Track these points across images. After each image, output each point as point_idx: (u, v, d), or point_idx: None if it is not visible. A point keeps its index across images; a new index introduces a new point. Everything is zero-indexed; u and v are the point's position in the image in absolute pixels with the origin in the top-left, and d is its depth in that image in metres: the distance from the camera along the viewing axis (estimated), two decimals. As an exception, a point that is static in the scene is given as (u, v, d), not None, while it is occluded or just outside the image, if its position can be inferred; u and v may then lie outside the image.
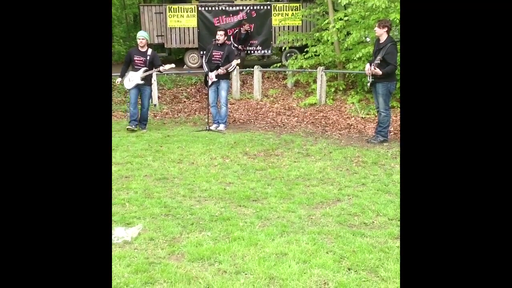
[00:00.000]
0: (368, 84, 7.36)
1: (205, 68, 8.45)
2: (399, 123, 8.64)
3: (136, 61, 8.19)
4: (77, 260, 1.91)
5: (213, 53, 8.35)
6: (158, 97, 10.70)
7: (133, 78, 8.18)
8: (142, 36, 8.24)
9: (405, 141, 2.08)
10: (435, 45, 2.04)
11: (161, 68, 8.17)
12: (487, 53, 1.98)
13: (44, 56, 1.97)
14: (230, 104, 10.55)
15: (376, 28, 7.10)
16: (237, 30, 13.23)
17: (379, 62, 6.93)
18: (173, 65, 8.52)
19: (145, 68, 8.15)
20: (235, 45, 12.92)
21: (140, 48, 8.22)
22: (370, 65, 7.08)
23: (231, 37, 13.09)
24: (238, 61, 8.59)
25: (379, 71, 6.89)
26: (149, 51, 8.26)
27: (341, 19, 10.20)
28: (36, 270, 1.86)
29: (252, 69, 11.43)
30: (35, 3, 1.97)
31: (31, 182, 1.91)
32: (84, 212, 1.97)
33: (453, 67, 2.01)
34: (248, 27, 13.19)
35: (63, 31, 2.00)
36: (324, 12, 11.79)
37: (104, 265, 1.97)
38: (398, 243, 3.65)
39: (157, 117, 9.73)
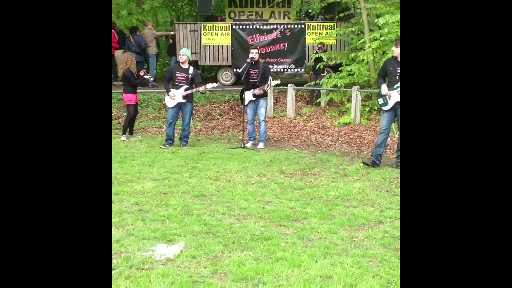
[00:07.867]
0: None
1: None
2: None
3: (178, 78, 8.25)
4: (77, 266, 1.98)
5: (250, 72, 8.39)
6: (192, 114, 10.78)
7: (174, 97, 8.23)
8: (182, 52, 8.35)
9: (405, 140, 2.14)
10: (435, 46, 2.11)
11: (200, 89, 8.19)
12: (486, 56, 2.01)
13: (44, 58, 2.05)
14: (264, 122, 10.54)
15: (393, 48, 6.85)
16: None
17: None
18: (214, 84, 8.61)
19: (186, 87, 8.21)
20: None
21: (181, 65, 8.30)
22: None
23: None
24: (278, 81, 8.65)
25: None
26: (191, 69, 8.33)
27: (376, 39, 10.13)
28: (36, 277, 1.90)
29: (285, 87, 11.43)
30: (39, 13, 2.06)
31: (30, 186, 1.96)
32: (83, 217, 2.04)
33: (453, 69, 2.06)
34: (321, 45, 12.03)
35: (63, 32, 2.08)
36: (359, 31, 11.74)
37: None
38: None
39: (191, 134, 9.78)
